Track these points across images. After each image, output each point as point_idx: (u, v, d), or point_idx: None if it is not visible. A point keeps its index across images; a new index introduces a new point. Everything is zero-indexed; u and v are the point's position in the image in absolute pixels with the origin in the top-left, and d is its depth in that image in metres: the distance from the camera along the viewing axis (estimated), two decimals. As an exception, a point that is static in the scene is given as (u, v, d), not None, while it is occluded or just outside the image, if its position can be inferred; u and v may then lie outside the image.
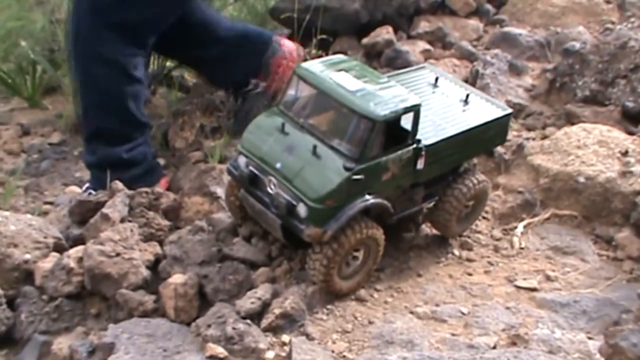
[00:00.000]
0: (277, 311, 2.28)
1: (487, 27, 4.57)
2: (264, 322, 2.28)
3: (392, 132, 2.31)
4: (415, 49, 4.17)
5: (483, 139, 2.65)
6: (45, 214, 3.26)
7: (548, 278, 2.65)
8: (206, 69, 3.91)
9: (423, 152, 2.38)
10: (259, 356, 2.15)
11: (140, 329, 2.26)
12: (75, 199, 2.81)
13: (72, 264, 2.45)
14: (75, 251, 2.51)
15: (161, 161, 3.94)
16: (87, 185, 3.40)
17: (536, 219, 2.95)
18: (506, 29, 4.36)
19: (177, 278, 2.40)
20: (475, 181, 2.66)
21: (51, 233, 2.64)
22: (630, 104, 3.37)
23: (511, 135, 3.37)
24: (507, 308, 2.45)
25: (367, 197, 2.31)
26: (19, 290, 2.48)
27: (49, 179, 3.77)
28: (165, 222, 2.73)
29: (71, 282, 2.44)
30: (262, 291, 2.38)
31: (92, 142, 3.37)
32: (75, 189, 3.49)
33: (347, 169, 2.21)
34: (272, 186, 2.35)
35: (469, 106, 2.66)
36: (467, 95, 2.69)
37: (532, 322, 2.38)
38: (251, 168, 2.42)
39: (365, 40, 4.26)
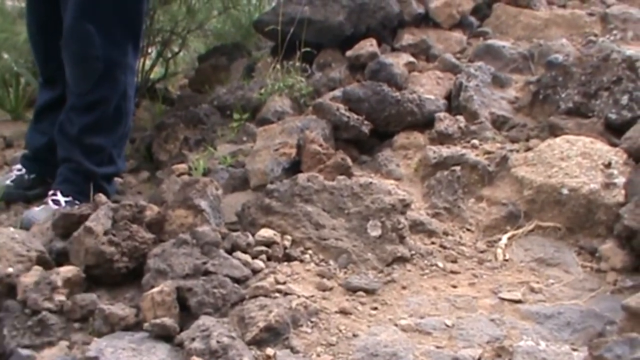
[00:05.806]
0: (261, 324, 2.27)
1: (471, 39, 4.59)
2: (248, 336, 2.26)
3: None
4: (399, 61, 4.18)
5: None
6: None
7: (532, 290, 2.65)
8: None
9: None
10: (243, 370, 2.14)
11: (124, 342, 2.24)
12: (59, 212, 2.80)
13: (59, 283, 2.44)
14: (66, 270, 2.50)
15: (145, 174, 3.94)
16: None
17: (520, 230, 2.95)
18: (490, 41, 4.38)
19: (154, 288, 2.39)
20: None
21: (34, 246, 2.62)
22: (613, 116, 3.39)
23: (495, 147, 3.39)
24: (492, 320, 2.45)
25: None
26: (1, 304, 2.45)
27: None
28: (149, 235, 2.71)
29: (53, 300, 2.42)
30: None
31: None
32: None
33: None
34: None
35: None
36: None
37: (517, 334, 2.38)
38: None
39: (349, 53, 4.27)
